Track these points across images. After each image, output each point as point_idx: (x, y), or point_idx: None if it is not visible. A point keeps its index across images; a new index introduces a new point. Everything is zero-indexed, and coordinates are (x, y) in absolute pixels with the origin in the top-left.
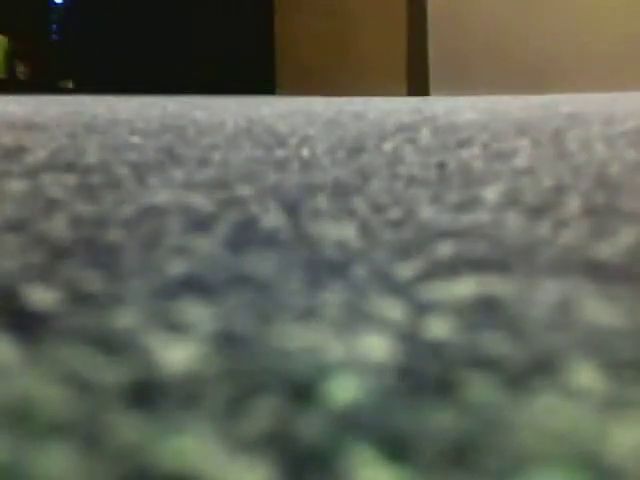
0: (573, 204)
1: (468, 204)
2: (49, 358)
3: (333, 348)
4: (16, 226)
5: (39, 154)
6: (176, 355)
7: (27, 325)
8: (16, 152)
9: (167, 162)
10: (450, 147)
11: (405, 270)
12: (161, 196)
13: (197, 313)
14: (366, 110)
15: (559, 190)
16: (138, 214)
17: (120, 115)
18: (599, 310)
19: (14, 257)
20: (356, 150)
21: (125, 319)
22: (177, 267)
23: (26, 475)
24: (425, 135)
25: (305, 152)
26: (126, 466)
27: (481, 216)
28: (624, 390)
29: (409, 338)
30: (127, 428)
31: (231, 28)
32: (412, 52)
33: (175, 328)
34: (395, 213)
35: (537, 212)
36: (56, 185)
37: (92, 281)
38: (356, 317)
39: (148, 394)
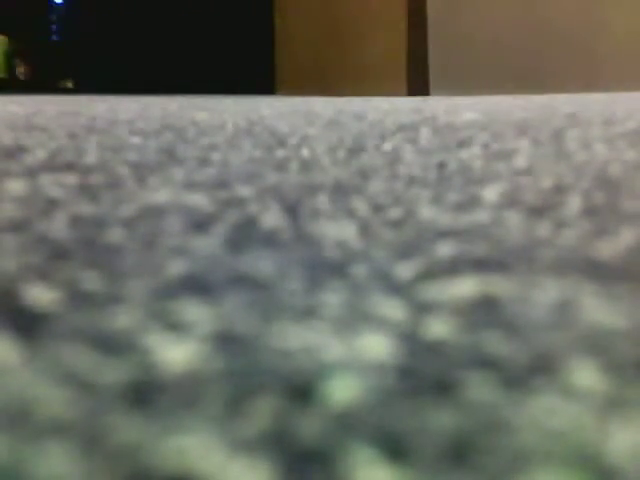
0: (573, 204)
1: (468, 204)
2: (49, 358)
3: (333, 348)
4: (16, 226)
5: (39, 154)
6: (176, 355)
7: (27, 325)
8: (16, 152)
9: (167, 162)
10: (450, 147)
11: (405, 270)
12: (161, 196)
13: (197, 313)
14: (366, 110)
15: (559, 190)
16: (138, 214)
17: (120, 115)
18: (599, 310)
19: (14, 257)
20: (356, 150)
21: (125, 319)
22: (177, 267)
23: (26, 475)
24: (425, 135)
25: (305, 152)
26: (126, 466)
27: (481, 216)
28: (624, 390)
29: (409, 338)
30: (127, 428)
31: (231, 28)
32: (412, 52)
33: (175, 328)
34: (395, 213)
35: (537, 212)
36: (56, 185)
37: (92, 281)
38: (356, 317)
39: (148, 394)
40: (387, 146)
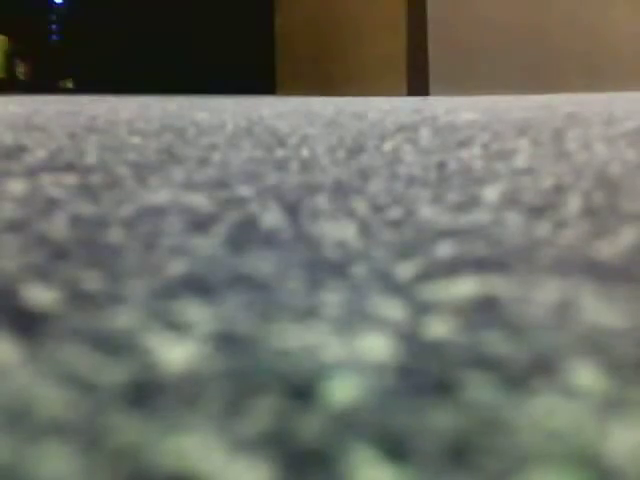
0: (573, 204)
1: (468, 204)
2: (49, 358)
3: (333, 348)
4: (16, 226)
5: (39, 154)
6: (176, 355)
7: (27, 325)
8: (16, 152)
9: (167, 162)
10: (450, 147)
11: (405, 270)
12: (161, 196)
13: (197, 313)
14: (366, 110)
15: (559, 190)
16: (138, 214)
17: (120, 115)
18: (599, 310)
19: (14, 257)
20: (356, 150)
21: (125, 319)
22: (177, 267)
23: (26, 475)
24: (425, 135)
25: (305, 152)
26: (126, 466)
27: (481, 216)
28: (624, 390)
29: (409, 338)
30: (127, 428)
31: (231, 28)
32: (412, 52)
33: (175, 328)
34: (395, 213)
35: (537, 212)
36: (56, 185)
37: (92, 281)
38: (356, 317)
39: (148, 394)
40: (387, 146)
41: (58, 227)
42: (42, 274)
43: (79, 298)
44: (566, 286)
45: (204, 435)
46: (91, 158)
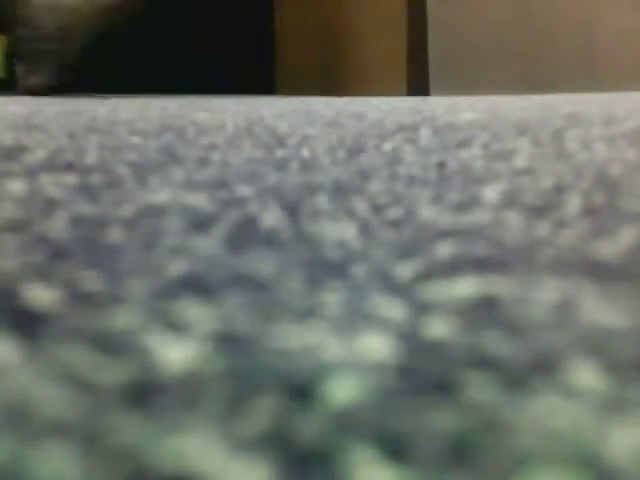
0: (573, 204)
1: (468, 204)
2: (49, 358)
3: (333, 348)
4: (16, 226)
5: (39, 154)
6: (176, 355)
7: (27, 325)
8: (16, 152)
9: (167, 162)
10: (450, 147)
11: (405, 270)
12: (161, 196)
13: (197, 313)
14: (366, 110)
15: (559, 190)
16: (138, 214)
17: (120, 115)
18: (599, 310)
19: (14, 257)
20: (356, 150)
21: (125, 319)
22: (177, 267)
23: (26, 475)
24: (425, 135)
25: (305, 152)
26: (126, 466)
27: (481, 216)
28: (624, 390)
29: (409, 338)
30: (127, 428)
31: (231, 28)
32: (412, 52)
33: (175, 328)
34: (395, 213)
35: (537, 212)
36: (56, 185)
37: (92, 281)
38: (356, 317)
39: (148, 394)
40: (387, 146)
41: (58, 227)
42: (42, 274)
43: (79, 298)
44: (566, 286)
45: (204, 435)
46: (91, 158)
